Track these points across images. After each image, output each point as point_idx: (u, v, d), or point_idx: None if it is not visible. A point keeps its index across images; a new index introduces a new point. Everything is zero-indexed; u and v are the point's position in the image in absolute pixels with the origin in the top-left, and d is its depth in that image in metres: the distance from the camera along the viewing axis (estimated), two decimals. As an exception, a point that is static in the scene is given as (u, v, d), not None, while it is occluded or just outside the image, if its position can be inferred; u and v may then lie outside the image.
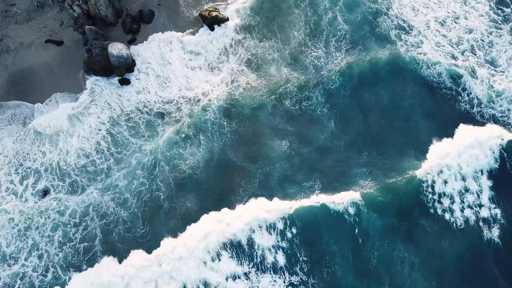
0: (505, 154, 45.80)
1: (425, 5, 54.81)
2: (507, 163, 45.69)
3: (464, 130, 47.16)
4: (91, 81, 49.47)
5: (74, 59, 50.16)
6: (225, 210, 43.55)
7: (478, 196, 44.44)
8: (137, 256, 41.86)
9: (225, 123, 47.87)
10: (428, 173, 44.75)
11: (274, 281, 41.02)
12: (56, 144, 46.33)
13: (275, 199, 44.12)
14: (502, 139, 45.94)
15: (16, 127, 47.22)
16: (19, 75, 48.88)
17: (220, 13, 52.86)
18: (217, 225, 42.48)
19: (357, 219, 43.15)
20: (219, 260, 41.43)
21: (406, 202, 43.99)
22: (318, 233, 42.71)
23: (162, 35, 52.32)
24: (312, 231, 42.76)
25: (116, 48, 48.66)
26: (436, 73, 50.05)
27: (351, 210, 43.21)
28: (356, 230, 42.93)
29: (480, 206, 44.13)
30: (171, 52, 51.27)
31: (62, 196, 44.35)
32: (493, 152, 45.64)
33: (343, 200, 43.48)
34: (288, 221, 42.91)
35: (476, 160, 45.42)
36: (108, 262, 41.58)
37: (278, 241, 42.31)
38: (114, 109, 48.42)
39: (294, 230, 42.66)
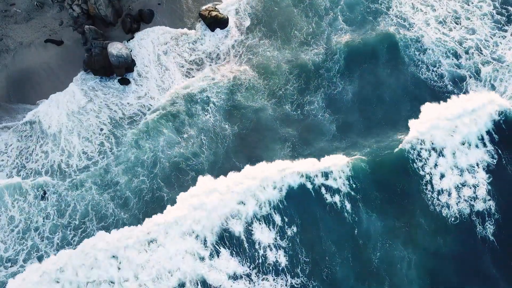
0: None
1: (424, 2, 54.77)
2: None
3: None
4: (79, 79, 49.70)
5: (74, 59, 50.01)
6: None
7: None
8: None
9: (226, 125, 47.78)
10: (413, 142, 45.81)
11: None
12: (58, 144, 46.34)
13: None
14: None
15: (23, 126, 47.38)
16: (19, 75, 48.70)
17: (220, 13, 52.68)
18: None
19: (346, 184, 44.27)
20: (218, 257, 41.45)
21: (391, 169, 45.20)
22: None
23: (156, 30, 52.29)
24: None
25: (116, 48, 48.56)
26: (436, 75, 50.03)
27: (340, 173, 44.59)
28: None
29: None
30: (165, 55, 51.21)
31: (61, 192, 44.31)
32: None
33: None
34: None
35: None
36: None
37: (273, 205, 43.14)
38: (115, 111, 48.46)
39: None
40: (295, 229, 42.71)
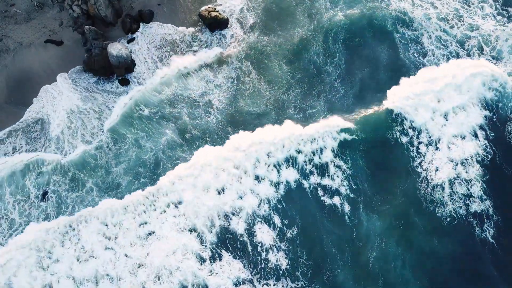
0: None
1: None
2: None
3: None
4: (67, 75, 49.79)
5: (74, 59, 50.07)
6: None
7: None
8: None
9: (229, 128, 47.71)
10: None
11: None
12: (62, 147, 46.36)
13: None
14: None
15: (34, 125, 47.44)
16: (19, 75, 48.72)
17: (219, 13, 52.71)
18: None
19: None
20: (220, 260, 41.45)
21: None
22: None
23: (154, 26, 52.28)
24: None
25: (116, 48, 48.64)
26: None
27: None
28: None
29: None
30: (161, 61, 51.07)
31: (61, 192, 44.20)
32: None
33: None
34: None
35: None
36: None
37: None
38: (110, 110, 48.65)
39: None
40: (290, 211, 43.31)
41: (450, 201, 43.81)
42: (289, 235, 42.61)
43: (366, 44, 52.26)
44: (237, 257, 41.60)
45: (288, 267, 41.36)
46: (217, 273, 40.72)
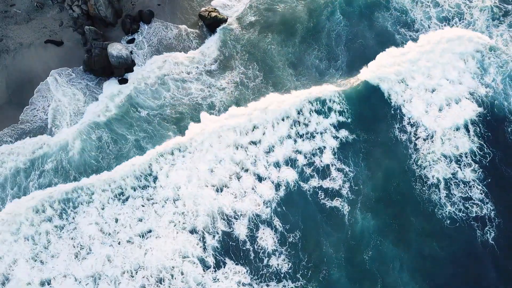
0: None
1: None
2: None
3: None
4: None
5: (74, 60, 50.13)
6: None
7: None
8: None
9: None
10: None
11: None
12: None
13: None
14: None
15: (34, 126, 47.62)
16: (19, 75, 48.83)
17: (219, 13, 52.62)
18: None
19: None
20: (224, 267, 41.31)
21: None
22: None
23: (154, 26, 52.42)
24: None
25: (116, 49, 48.63)
26: None
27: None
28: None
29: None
30: (161, 62, 51.02)
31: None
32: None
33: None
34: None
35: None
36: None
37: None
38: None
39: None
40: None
41: (449, 203, 43.85)
42: (290, 239, 42.45)
43: (366, 44, 52.22)
44: (239, 263, 41.34)
45: (290, 271, 41.22)
46: (219, 280, 40.40)
